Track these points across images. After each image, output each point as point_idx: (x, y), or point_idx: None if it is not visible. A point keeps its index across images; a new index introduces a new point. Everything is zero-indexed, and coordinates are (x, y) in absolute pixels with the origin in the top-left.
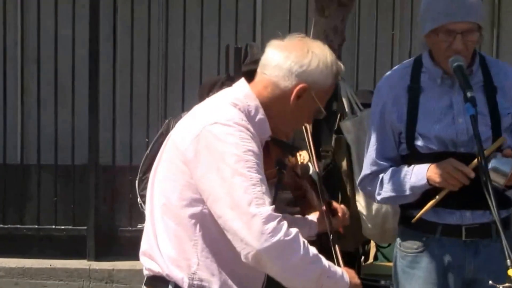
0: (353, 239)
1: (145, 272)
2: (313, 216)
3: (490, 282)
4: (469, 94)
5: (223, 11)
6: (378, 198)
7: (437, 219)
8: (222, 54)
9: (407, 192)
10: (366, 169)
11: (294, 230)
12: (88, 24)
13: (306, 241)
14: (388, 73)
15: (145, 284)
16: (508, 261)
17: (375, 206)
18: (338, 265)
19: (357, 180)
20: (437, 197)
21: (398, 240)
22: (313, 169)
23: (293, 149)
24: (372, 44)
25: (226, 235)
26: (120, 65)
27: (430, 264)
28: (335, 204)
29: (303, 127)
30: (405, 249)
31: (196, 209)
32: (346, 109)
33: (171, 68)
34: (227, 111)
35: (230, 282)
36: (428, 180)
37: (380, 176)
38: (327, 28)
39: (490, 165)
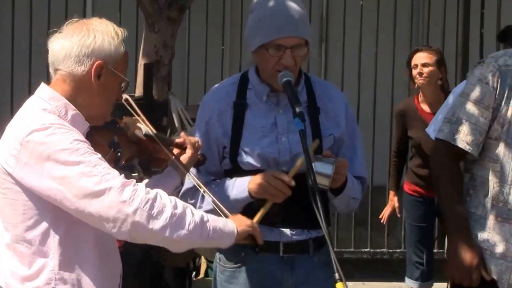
0: (184, 254)
1: None
2: (169, 167)
3: None
4: (297, 109)
5: (52, 23)
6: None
7: None
8: None
9: (229, 205)
10: (188, 183)
11: (154, 190)
12: None
13: (174, 197)
14: (215, 87)
15: None
16: (336, 274)
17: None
18: (224, 215)
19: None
20: (261, 210)
21: (218, 254)
22: (143, 127)
23: (115, 123)
24: (203, 59)
25: (84, 238)
26: None
27: (248, 279)
28: (181, 140)
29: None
30: (224, 264)
31: (44, 224)
32: (176, 124)
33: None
34: (39, 117)
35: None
36: (250, 193)
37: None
38: (157, 43)
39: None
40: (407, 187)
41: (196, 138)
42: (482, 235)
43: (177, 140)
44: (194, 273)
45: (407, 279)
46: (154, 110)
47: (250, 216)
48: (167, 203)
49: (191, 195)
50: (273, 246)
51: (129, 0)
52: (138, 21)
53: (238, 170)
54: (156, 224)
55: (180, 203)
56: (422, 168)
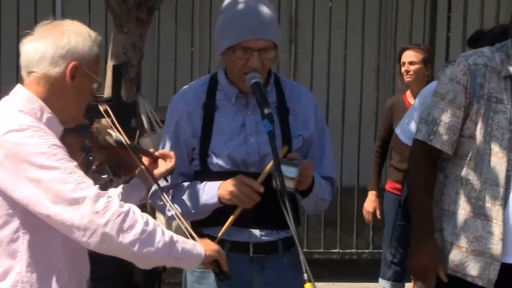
0: None
1: None
2: (136, 178)
3: None
4: (266, 111)
5: (22, 25)
6: (169, 213)
7: (226, 236)
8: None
9: (199, 210)
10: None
11: (127, 204)
12: None
13: (146, 214)
14: (184, 88)
15: None
16: (305, 275)
17: (175, 222)
18: (192, 237)
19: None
20: (232, 216)
21: None
22: (114, 134)
23: (87, 127)
24: (172, 60)
25: (53, 242)
26: None
27: (217, 280)
28: (160, 153)
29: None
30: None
31: (14, 224)
32: (146, 126)
33: None
34: (15, 118)
35: None
36: (219, 199)
37: (171, 191)
38: (126, 44)
39: (275, 171)
40: (389, 185)
41: (168, 152)
42: (456, 232)
43: (152, 150)
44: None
45: (380, 280)
46: (123, 111)
47: (220, 220)
48: (139, 219)
49: (160, 197)
50: (242, 246)
51: (98, 1)
52: (108, 22)
53: (207, 171)
54: (126, 238)
55: (152, 221)
56: (405, 162)
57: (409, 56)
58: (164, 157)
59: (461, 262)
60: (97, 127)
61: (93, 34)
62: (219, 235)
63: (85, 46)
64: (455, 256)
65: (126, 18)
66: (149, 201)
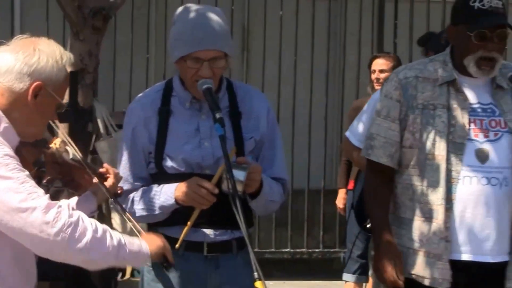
0: None
1: None
2: (88, 192)
3: None
4: (217, 115)
5: None
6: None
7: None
8: None
9: (157, 212)
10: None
11: (76, 212)
12: None
13: (94, 220)
14: (140, 95)
15: None
16: (255, 273)
17: (130, 224)
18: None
19: None
20: (189, 222)
21: None
22: (71, 150)
23: (45, 143)
24: (128, 66)
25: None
26: None
27: (174, 279)
28: (104, 170)
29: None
30: (150, 264)
31: None
32: (101, 130)
33: None
34: None
35: None
36: (176, 200)
37: (131, 196)
38: (82, 52)
39: (227, 175)
40: (351, 184)
41: (117, 170)
42: (411, 237)
43: (100, 169)
44: (120, 274)
45: (344, 274)
46: (80, 116)
47: (179, 221)
48: (88, 227)
49: (121, 200)
50: (197, 246)
51: (56, 9)
52: (65, 29)
53: (163, 174)
54: (76, 247)
55: (100, 227)
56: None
57: (380, 64)
58: (107, 173)
59: (416, 265)
60: (55, 143)
61: (65, 56)
62: (179, 240)
63: (54, 68)
64: (413, 260)
65: (82, 26)
66: (111, 206)
